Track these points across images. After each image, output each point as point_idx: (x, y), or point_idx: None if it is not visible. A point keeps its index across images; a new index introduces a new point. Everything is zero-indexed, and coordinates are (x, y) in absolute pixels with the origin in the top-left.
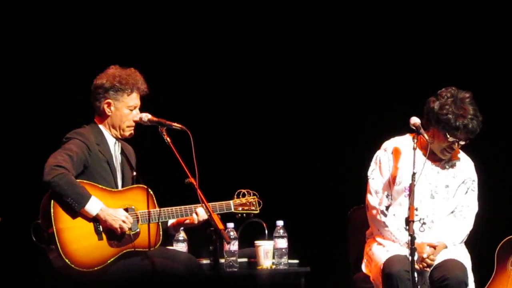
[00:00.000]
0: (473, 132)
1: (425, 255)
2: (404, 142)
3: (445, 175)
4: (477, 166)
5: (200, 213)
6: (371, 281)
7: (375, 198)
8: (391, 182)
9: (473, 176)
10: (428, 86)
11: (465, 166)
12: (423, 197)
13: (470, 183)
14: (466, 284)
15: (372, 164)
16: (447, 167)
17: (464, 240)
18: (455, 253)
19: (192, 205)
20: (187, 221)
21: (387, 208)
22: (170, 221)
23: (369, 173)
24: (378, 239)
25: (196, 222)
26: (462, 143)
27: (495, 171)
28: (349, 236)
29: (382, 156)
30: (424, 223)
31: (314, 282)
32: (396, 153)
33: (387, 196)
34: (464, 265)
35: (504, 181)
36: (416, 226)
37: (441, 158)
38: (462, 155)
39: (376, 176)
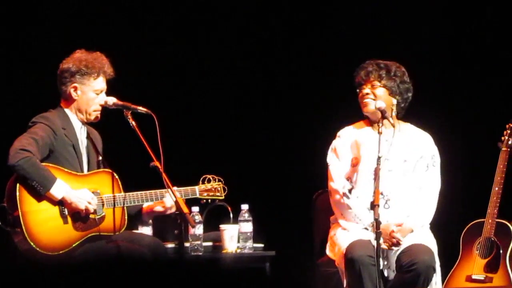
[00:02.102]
0: (368, 70)
1: (394, 228)
2: (357, 127)
3: (401, 150)
4: (442, 149)
5: (167, 201)
6: (336, 266)
7: (337, 183)
8: (350, 165)
9: (432, 150)
10: None
11: (422, 140)
12: (382, 174)
13: (430, 159)
14: (434, 269)
15: (329, 152)
16: (401, 139)
17: (430, 220)
18: (421, 237)
19: (158, 190)
20: (158, 207)
21: (350, 191)
22: (145, 204)
23: (327, 160)
24: (341, 221)
25: (169, 205)
26: (369, 88)
27: (460, 155)
28: (314, 220)
29: (337, 143)
30: (388, 200)
31: (279, 266)
32: (350, 138)
33: (347, 179)
34: (431, 249)
35: (469, 165)
36: (380, 203)
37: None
38: (418, 131)
39: (334, 162)
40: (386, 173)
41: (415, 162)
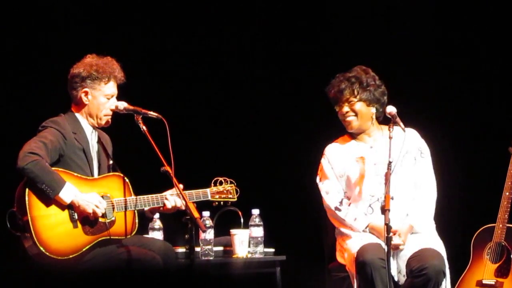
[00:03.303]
0: (341, 87)
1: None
2: (342, 143)
3: (386, 152)
4: (453, 155)
5: (170, 199)
6: (347, 270)
7: (328, 199)
8: (337, 178)
9: (418, 143)
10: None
11: (406, 137)
12: (375, 180)
13: (416, 151)
14: (444, 273)
15: (318, 172)
16: (385, 142)
17: (431, 216)
18: (430, 242)
19: (167, 192)
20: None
21: (341, 202)
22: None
23: (317, 181)
24: (341, 229)
25: (169, 207)
26: (347, 106)
27: (470, 160)
28: (324, 225)
29: (323, 161)
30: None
31: (289, 271)
32: (334, 152)
33: (338, 193)
34: (440, 253)
35: (480, 170)
36: (377, 206)
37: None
38: (401, 129)
39: (323, 180)
40: (374, 178)
41: (402, 157)
